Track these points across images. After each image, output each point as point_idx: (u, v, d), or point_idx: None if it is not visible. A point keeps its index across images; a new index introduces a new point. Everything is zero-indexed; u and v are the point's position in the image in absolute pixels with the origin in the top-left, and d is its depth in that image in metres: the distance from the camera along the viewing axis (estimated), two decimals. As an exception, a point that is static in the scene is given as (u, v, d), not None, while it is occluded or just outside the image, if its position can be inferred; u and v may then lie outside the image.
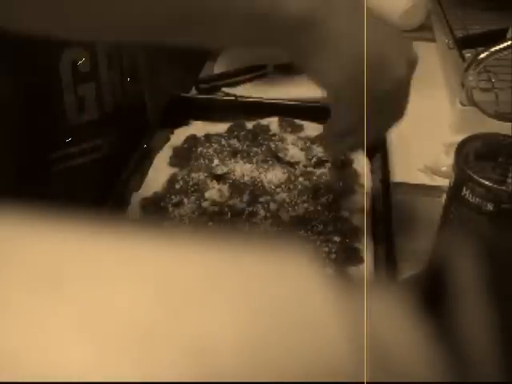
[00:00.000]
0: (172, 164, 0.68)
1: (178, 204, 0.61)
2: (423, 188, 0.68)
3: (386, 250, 0.53)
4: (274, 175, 0.64)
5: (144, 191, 0.63)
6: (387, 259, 0.52)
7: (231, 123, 0.73)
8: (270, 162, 0.67)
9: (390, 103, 0.49)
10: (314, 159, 0.67)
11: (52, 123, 0.62)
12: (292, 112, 0.75)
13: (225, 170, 0.65)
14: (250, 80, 0.89)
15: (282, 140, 0.70)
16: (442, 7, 0.95)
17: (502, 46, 0.67)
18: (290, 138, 0.70)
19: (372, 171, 0.67)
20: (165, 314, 0.12)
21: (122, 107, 0.68)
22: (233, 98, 0.81)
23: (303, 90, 0.84)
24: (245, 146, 0.69)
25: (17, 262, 0.13)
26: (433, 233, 0.55)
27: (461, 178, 0.49)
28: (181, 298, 0.13)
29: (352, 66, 0.44)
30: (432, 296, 0.15)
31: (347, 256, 0.54)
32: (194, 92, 0.86)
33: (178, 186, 0.63)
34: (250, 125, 0.73)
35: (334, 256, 0.54)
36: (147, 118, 0.74)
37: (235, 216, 0.59)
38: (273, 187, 0.63)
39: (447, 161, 0.67)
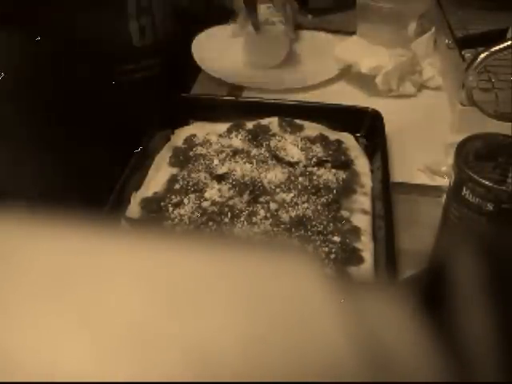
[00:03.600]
0: (172, 164, 0.68)
1: (178, 204, 0.61)
2: (423, 188, 0.68)
3: (386, 249, 0.53)
4: (274, 175, 0.64)
5: (144, 191, 0.63)
6: (387, 259, 0.52)
7: (231, 123, 0.73)
8: (270, 162, 0.67)
9: None
10: (314, 159, 0.67)
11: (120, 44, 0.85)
12: (292, 112, 0.75)
13: (225, 169, 0.65)
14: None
15: (282, 140, 0.70)
16: (442, 7, 0.95)
17: (501, 45, 0.67)
18: (290, 138, 0.70)
19: (372, 171, 0.67)
20: (164, 314, 0.12)
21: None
22: (233, 98, 0.81)
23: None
24: (245, 146, 0.69)
25: (17, 262, 0.13)
26: (433, 233, 0.55)
27: (461, 178, 0.49)
28: (180, 298, 0.13)
29: None
30: (432, 296, 0.15)
31: (347, 256, 0.54)
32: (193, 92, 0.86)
33: (177, 186, 0.63)
34: (250, 125, 0.73)
35: (333, 256, 0.54)
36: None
37: (235, 216, 0.59)
38: (273, 187, 0.63)
39: (447, 161, 0.67)
